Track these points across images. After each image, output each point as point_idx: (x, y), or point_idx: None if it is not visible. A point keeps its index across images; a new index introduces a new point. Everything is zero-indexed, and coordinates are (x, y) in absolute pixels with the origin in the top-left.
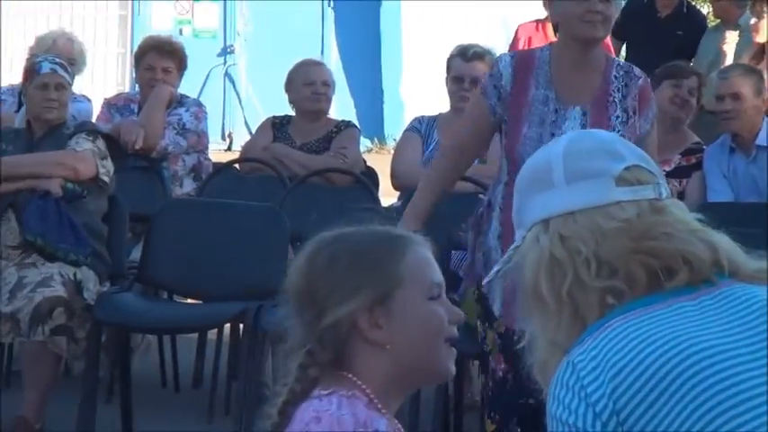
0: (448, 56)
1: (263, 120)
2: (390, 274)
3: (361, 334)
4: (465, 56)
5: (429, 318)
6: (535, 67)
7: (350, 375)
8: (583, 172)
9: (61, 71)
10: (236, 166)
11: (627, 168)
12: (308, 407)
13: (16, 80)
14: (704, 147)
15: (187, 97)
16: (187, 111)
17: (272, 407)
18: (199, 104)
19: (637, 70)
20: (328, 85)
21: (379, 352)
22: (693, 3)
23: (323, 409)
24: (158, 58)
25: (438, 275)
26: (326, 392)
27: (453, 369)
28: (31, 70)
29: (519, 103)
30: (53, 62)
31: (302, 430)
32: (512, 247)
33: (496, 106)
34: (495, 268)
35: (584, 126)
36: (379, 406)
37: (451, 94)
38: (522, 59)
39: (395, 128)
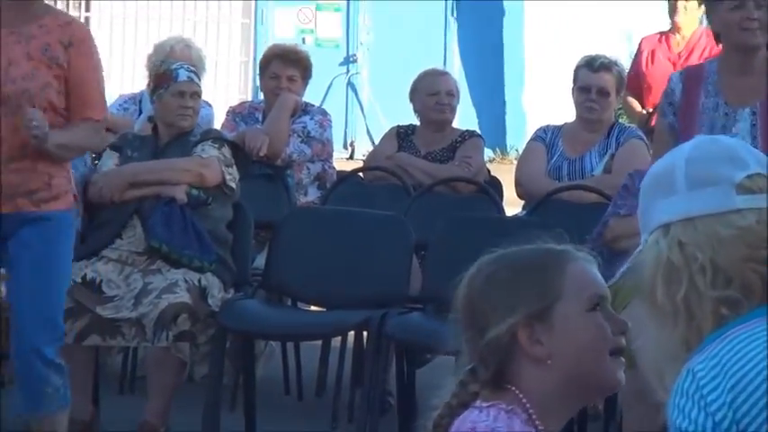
0: (574, 66)
1: (387, 129)
2: (549, 289)
3: (522, 349)
4: (592, 66)
5: (589, 329)
6: (704, 77)
7: (512, 388)
8: (704, 178)
9: (196, 79)
10: (361, 174)
11: (749, 176)
12: (467, 417)
13: (135, 87)
14: None
15: (312, 105)
16: (312, 119)
17: (426, 420)
18: (323, 113)
19: None
20: (453, 95)
21: (540, 367)
22: None
23: (480, 420)
24: (283, 67)
25: (600, 288)
26: (486, 405)
27: (623, 379)
28: (166, 77)
29: (690, 113)
30: (189, 70)
31: None
32: (636, 250)
33: (674, 122)
34: (620, 270)
35: (754, 126)
36: (537, 422)
37: (578, 104)
38: (691, 73)
39: (517, 138)
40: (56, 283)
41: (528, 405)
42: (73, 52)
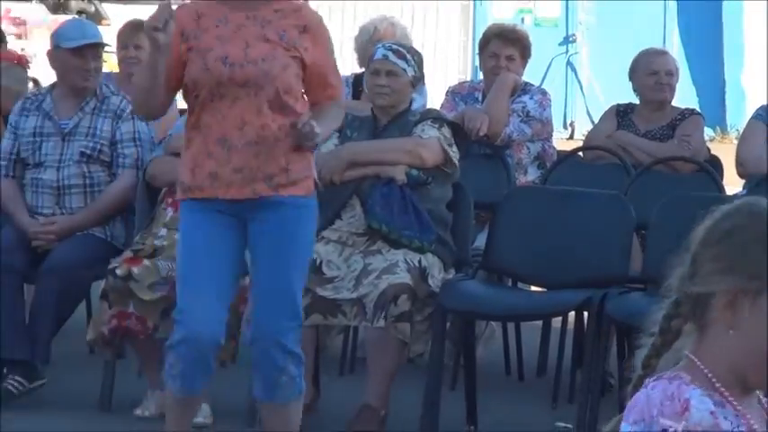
0: None
1: (606, 108)
2: None
3: (722, 313)
4: None
5: None
6: None
7: (690, 355)
8: None
9: (393, 57)
10: (580, 153)
11: None
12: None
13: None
14: None
15: (531, 85)
16: (531, 98)
17: (636, 359)
18: (543, 92)
19: None
20: (672, 74)
21: (731, 337)
22: None
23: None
24: (502, 46)
25: None
26: (670, 376)
27: None
28: (369, 57)
29: None
30: (388, 48)
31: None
32: None
33: None
34: None
35: None
36: (721, 388)
37: None
38: None
39: (737, 117)
40: (295, 269)
41: (706, 371)
42: (309, 36)
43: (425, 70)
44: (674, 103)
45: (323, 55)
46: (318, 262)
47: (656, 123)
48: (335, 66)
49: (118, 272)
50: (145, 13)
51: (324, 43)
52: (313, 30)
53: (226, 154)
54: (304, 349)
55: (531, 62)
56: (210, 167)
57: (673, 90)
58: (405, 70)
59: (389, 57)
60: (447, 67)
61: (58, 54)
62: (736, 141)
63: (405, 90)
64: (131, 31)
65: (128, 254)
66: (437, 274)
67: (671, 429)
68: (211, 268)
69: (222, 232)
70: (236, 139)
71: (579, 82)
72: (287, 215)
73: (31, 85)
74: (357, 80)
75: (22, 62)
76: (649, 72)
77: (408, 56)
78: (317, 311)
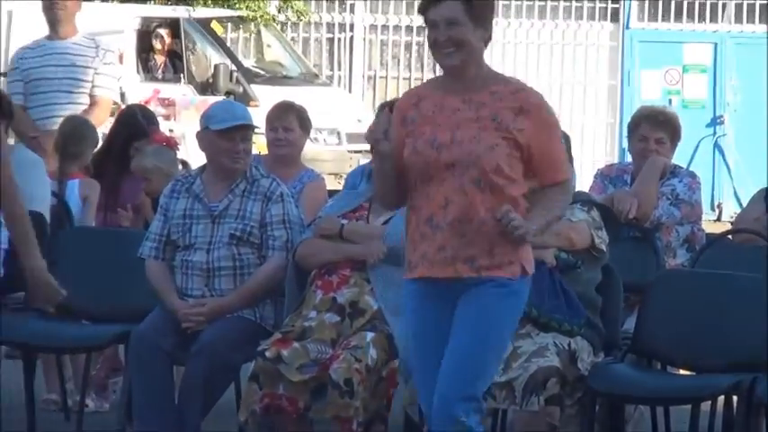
0: None
1: (755, 191)
2: None
3: None
4: None
5: None
6: None
7: None
8: None
9: None
10: (730, 236)
11: None
12: None
13: None
14: None
15: (680, 167)
16: (681, 181)
17: None
18: (692, 175)
19: None
20: None
21: None
22: None
23: None
24: (652, 129)
25: None
26: None
27: None
28: None
29: None
30: None
31: None
32: None
33: None
34: None
35: None
36: None
37: None
38: None
39: None
40: (489, 351)
41: None
42: (526, 118)
43: (573, 152)
44: None
45: (541, 136)
46: None
47: None
48: (560, 149)
49: (267, 354)
50: (293, 94)
51: (542, 124)
52: (531, 111)
53: (432, 234)
54: None
55: (679, 144)
56: (422, 248)
57: None
58: None
59: None
60: (595, 149)
61: (206, 136)
62: None
63: None
64: (280, 113)
65: (277, 336)
66: (586, 358)
67: None
68: (429, 350)
69: (435, 313)
70: (440, 218)
71: (726, 163)
72: (488, 298)
73: (180, 167)
74: None
75: (171, 144)
76: None
77: None
78: None
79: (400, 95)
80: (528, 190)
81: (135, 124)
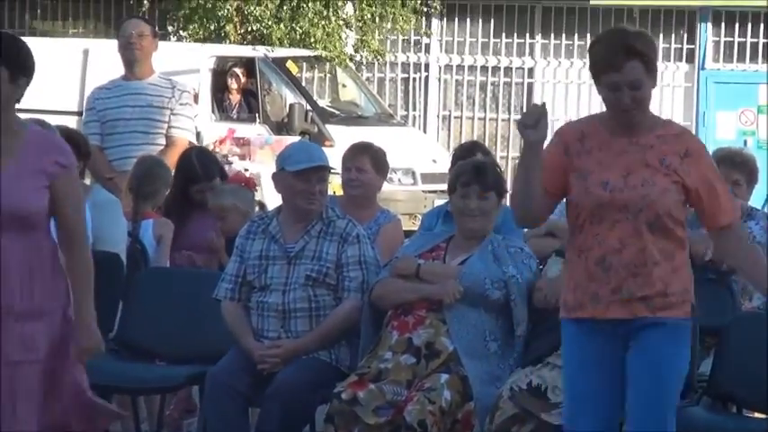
0: None
1: None
2: None
3: None
4: None
5: None
6: None
7: None
8: None
9: None
10: None
11: None
12: None
13: None
14: None
15: (757, 210)
16: (757, 224)
17: None
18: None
19: None
20: None
21: None
22: None
23: None
24: (729, 171)
25: None
26: None
27: None
28: None
29: None
30: None
31: None
32: None
33: None
34: None
35: None
36: None
37: None
38: None
39: None
40: (670, 392)
41: None
42: (691, 161)
43: None
44: None
45: (707, 180)
46: (544, 387)
47: None
48: (725, 191)
49: (343, 396)
50: (368, 134)
51: (706, 168)
52: (695, 154)
53: (605, 275)
54: None
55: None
56: (591, 288)
57: None
58: None
59: None
60: None
61: (282, 177)
62: None
63: None
64: (354, 154)
65: (353, 377)
66: None
67: None
68: (592, 387)
69: (602, 352)
70: (615, 260)
71: None
72: (665, 336)
73: (257, 208)
74: None
75: (250, 185)
76: None
77: None
78: None
79: (475, 136)
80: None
81: (190, 168)
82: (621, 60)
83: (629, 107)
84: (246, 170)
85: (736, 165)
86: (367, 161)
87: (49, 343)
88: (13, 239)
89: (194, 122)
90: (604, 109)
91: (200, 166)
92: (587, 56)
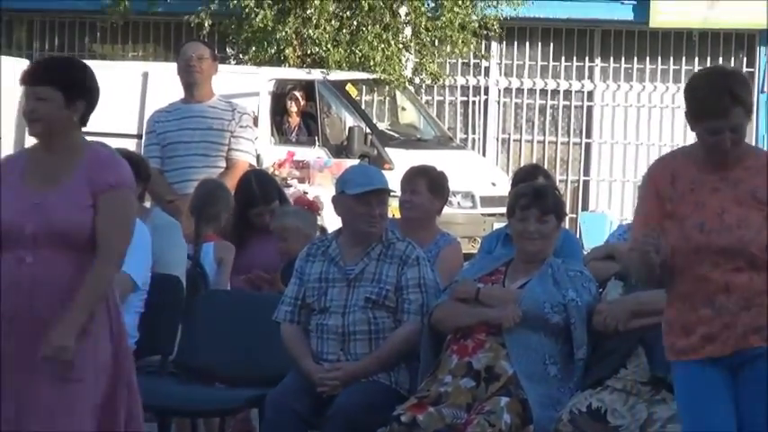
0: None
1: None
2: None
3: None
4: None
5: None
6: None
7: None
8: None
9: None
10: None
11: None
12: None
13: None
14: None
15: None
16: None
17: None
18: None
19: None
20: None
21: None
22: None
23: None
24: None
25: None
26: None
27: None
28: None
29: None
30: None
31: None
32: None
33: None
34: None
35: None
36: None
37: None
38: None
39: None
40: None
41: None
42: None
43: None
44: None
45: None
46: (603, 410)
47: None
48: None
49: (402, 419)
50: (427, 158)
51: None
52: None
53: (715, 315)
54: None
55: None
56: (702, 330)
57: None
58: None
59: None
60: None
61: (342, 200)
62: None
63: None
64: (410, 176)
65: (412, 400)
66: None
67: None
68: (720, 419)
69: (718, 387)
70: (724, 300)
71: None
72: None
73: (318, 232)
74: None
75: (313, 208)
76: None
77: None
78: None
79: (534, 159)
80: None
81: (249, 190)
82: (726, 107)
83: (729, 147)
84: (306, 193)
85: None
86: (423, 184)
87: (93, 363)
88: (57, 255)
89: (254, 145)
90: (663, 131)
91: (259, 189)
92: (649, 80)
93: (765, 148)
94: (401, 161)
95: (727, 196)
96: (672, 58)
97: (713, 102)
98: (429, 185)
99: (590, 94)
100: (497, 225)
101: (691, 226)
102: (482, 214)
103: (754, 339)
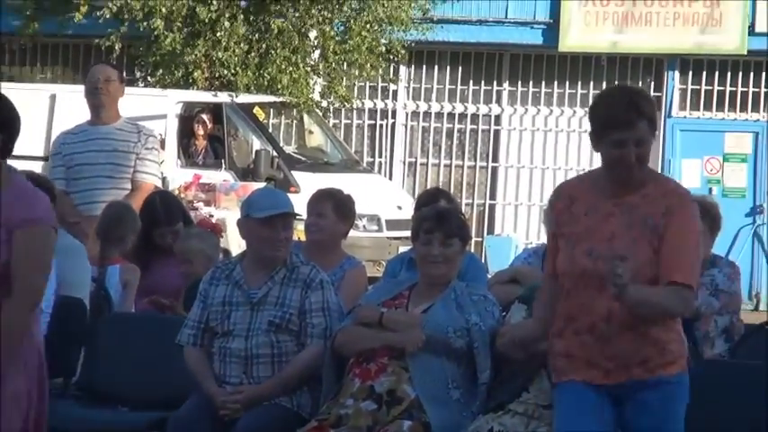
0: None
1: None
2: None
3: None
4: None
5: None
6: None
7: None
8: None
9: None
10: None
11: None
12: None
13: None
14: None
15: (720, 257)
16: (720, 271)
17: None
18: (732, 265)
19: None
20: None
21: None
22: None
23: None
24: None
25: None
26: None
27: None
28: None
29: None
30: None
31: None
32: None
33: None
34: None
35: None
36: None
37: None
38: None
39: None
40: None
41: None
42: (670, 218)
43: None
44: None
45: (675, 235)
46: None
47: None
48: (690, 253)
49: None
50: (334, 181)
51: (681, 225)
52: (675, 213)
53: (596, 343)
54: None
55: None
56: (582, 356)
57: None
58: None
59: None
60: None
61: (248, 224)
62: None
63: None
64: (315, 200)
65: (313, 423)
66: None
67: None
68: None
69: (596, 410)
70: (605, 329)
71: (765, 252)
72: (666, 394)
73: (221, 255)
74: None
75: (216, 230)
76: None
77: None
78: None
79: (440, 183)
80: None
81: (153, 210)
82: (631, 119)
83: (633, 164)
84: (211, 216)
85: (700, 213)
86: (329, 207)
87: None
88: None
89: (160, 167)
90: (569, 155)
91: (164, 209)
92: (557, 104)
93: (671, 173)
94: (308, 184)
95: (621, 222)
96: (580, 83)
97: (618, 113)
98: (335, 209)
99: (497, 117)
100: (403, 249)
101: (580, 251)
102: (388, 238)
103: (637, 372)
